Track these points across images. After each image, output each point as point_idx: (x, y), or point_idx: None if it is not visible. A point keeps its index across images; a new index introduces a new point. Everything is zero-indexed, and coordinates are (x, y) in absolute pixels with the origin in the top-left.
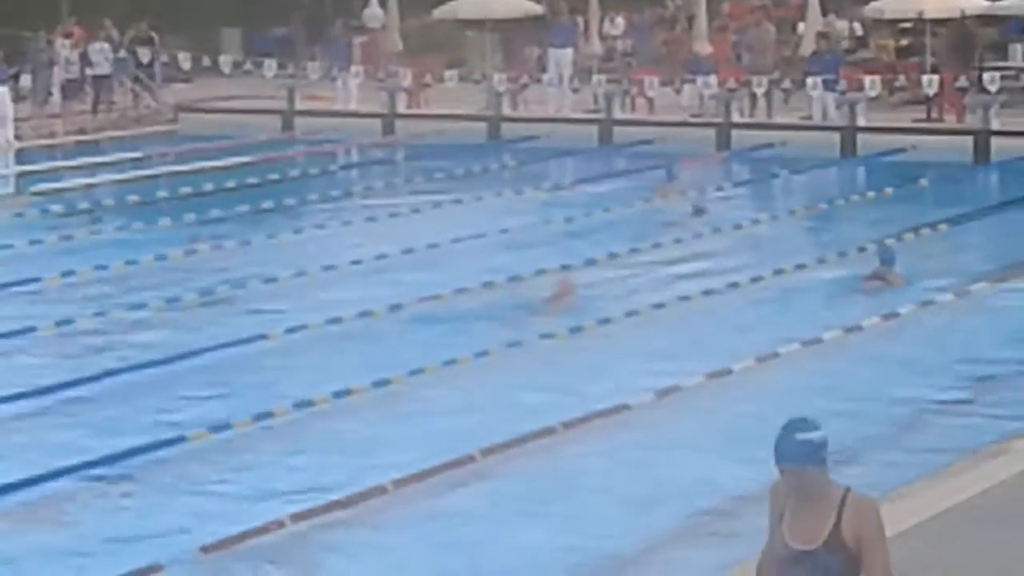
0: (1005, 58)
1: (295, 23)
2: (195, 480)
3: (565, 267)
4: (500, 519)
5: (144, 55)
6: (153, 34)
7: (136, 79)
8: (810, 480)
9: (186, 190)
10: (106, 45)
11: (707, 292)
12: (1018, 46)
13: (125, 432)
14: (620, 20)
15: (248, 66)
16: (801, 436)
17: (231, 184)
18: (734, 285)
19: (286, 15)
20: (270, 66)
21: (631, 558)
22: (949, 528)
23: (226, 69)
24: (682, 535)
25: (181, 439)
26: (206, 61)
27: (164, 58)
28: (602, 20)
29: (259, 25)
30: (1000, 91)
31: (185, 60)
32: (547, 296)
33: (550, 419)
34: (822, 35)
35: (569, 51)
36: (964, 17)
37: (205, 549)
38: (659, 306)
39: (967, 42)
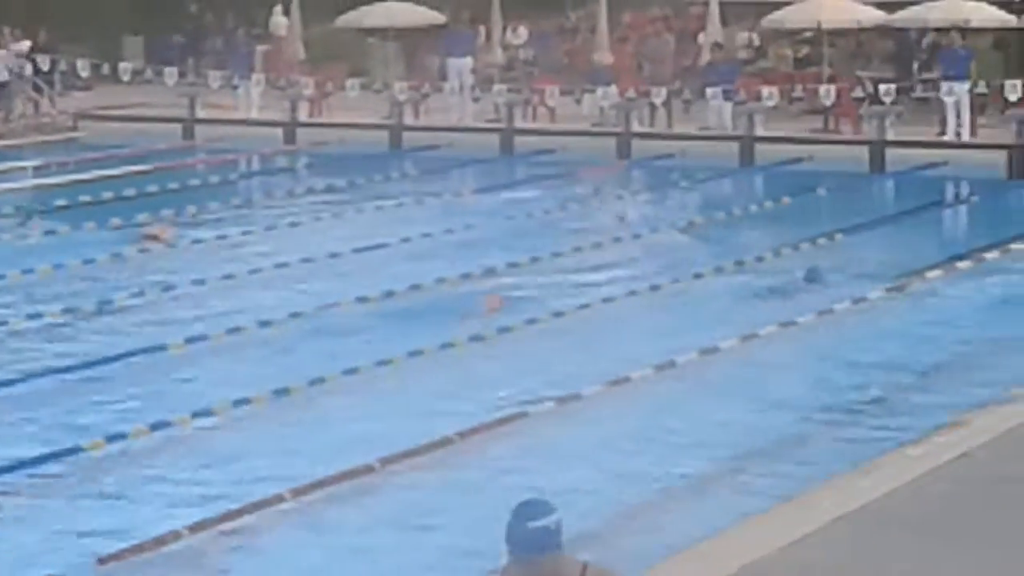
0: (901, 69)
1: (192, 31)
2: (91, 491)
3: (465, 276)
4: (397, 528)
5: (43, 63)
6: (27, 43)
7: (36, 87)
8: (547, 568)
9: (85, 199)
10: (3, 52)
11: (607, 300)
12: (914, 57)
13: (19, 443)
14: (523, 30)
15: (148, 74)
16: (536, 524)
17: (131, 193)
18: (632, 293)
19: (188, 23)
20: (171, 74)
21: None
22: (846, 534)
23: (125, 77)
24: None
25: (78, 449)
26: (106, 69)
27: (63, 66)
28: (504, 29)
29: (160, 33)
30: (895, 102)
31: (84, 68)
32: (478, 312)
33: (449, 428)
34: (717, 46)
35: (468, 60)
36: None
37: (102, 560)
38: (559, 314)
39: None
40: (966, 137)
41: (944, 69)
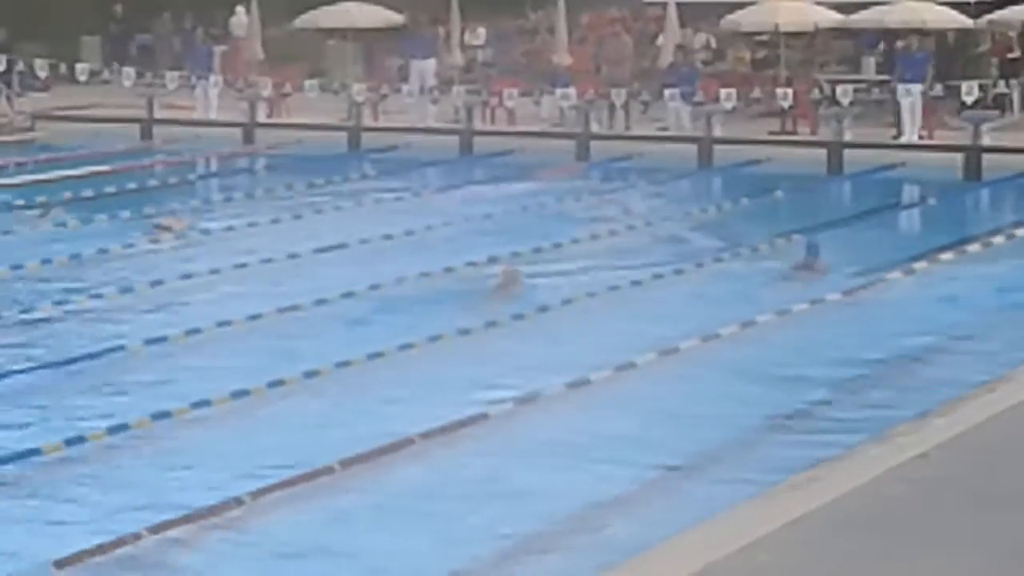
0: (858, 71)
1: (158, 31)
2: (49, 494)
3: (424, 275)
4: (355, 530)
5: (0, 63)
6: None
7: None
8: None
9: (43, 199)
10: None
11: (566, 302)
12: (871, 59)
13: None
14: (481, 31)
15: (106, 75)
16: None
17: (89, 193)
18: (592, 295)
19: (147, 23)
20: (128, 74)
21: None
22: (802, 536)
23: (83, 77)
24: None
25: (35, 451)
26: (63, 69)
27: (20, 66)
28: (463, 31)
29: (119, 33)
30: (853, 103)
31: (42, 68)
32: (493, 286)
33: (408, 429)
34: (680, 47)
35: (431, 62)
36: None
37: (58, 564)
38: (518, 317)
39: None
40: (915, 139)
41: (901, 71)
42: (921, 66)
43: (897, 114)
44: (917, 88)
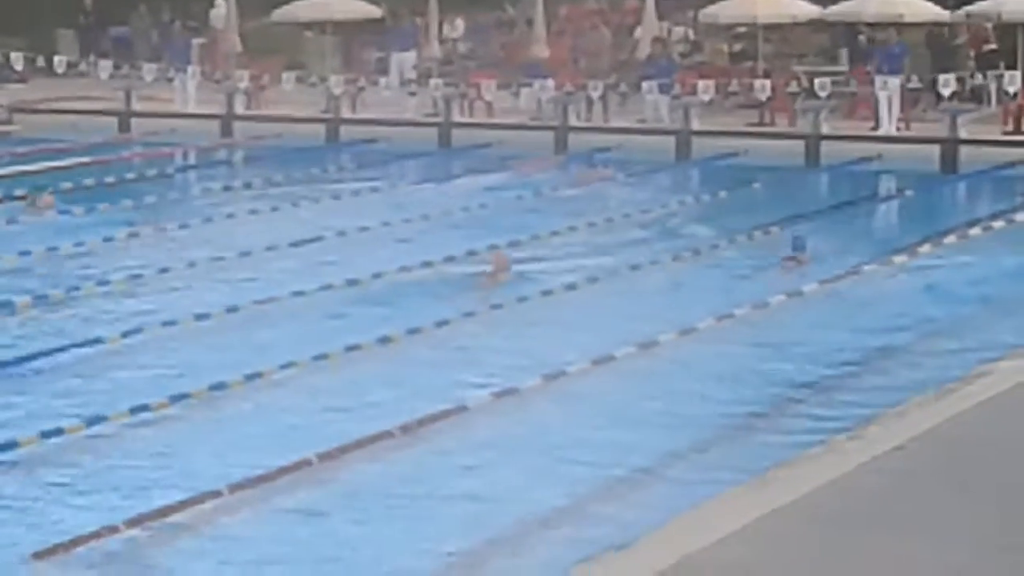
0: (835, 63)
1: (136, 24)
2: (26, 486)
3: (404, 268)
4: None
5: None
6: None
7: None
8: None
9: (21, 192)
10: None
11: (545, 293)
12: (846, 51)
13: None
14: (460, 22)
15: (83, 67)
16: None
17: (67, 186)
18: (571, 287)
19: (124, 15)
20: (105, 67)
21: None
22: (776, 529)
23: (60, 69)
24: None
25: (12, 444)
26: (40, 62)
27: None
28: (441, 23)
29: (96, 25)
30: (830, 96)
31: (18, 60)
32: (484, 272)
33: (389, 422)
34: (658, 40)
35: (412, 54)
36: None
37: (37, 556)
38: (496, 307)
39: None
40: (892, 131)
41: (879, 64)
42: (899, 59)
43: (874, 106)
44: (895, 80)
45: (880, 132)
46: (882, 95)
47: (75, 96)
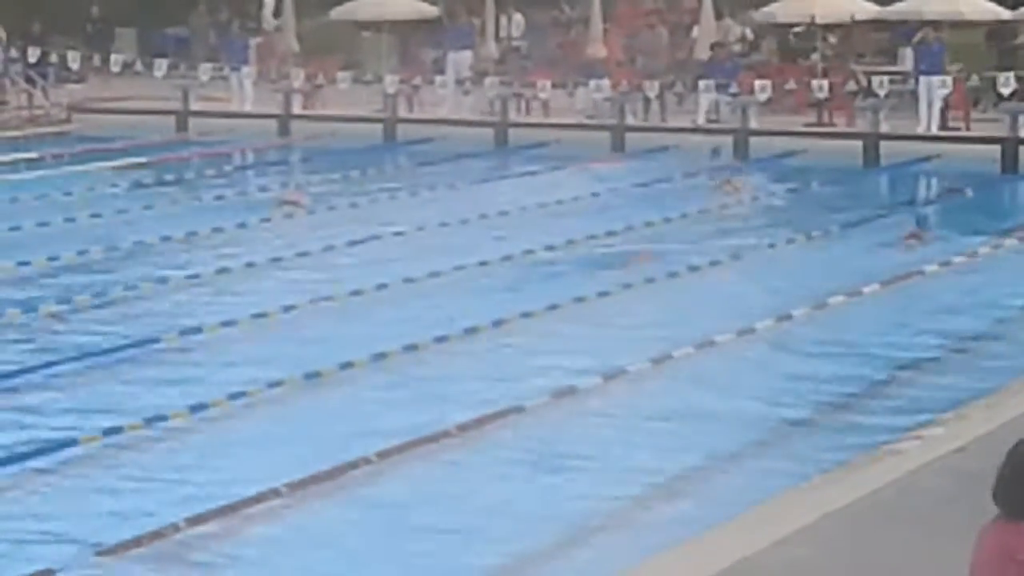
0: (894, 62)
1: (194, 24)
2: (88, 484)
3: (458, 268)
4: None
5: (33, 54)
6: None
7: (28, 79)
8: None
9: (80, 191)
10: None
11: (601, 294)
12: (907, 50)
13: (14, 435)
14: (519, 18)
15: (139, 66)
16: None
17: (126, 185)
18: (627, 286)
19: (183, 16)
20: (160, 66)
21: None
22: (833, 531)
23: (116, 68)
24: None
25: (73, 442)
26: (97, 61)
27: (54, 57)
28: (498, 22)
29: (156, 25)
30: (888, 95)
31: (75, 60)
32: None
33: (433, 428)
34: (718, 44)
35: (468, 53)
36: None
37: (100, 553)
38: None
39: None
40: (934, 130)
41: (918, 64)
42: (938, 58)
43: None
44: (936, 80)
45: (919, 131)
46: (923, 95)
47: (133, 96)
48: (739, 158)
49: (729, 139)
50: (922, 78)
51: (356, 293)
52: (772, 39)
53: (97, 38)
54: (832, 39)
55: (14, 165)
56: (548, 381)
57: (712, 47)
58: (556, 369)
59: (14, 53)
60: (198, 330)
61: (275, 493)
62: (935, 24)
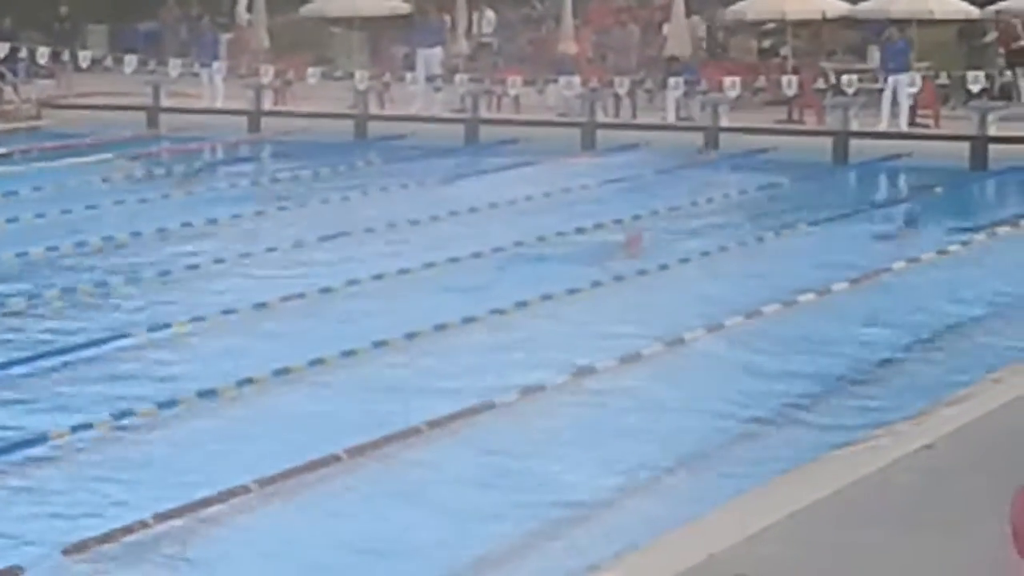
0: (864, 60)
1: (164, 18)
2: (57, 481)
3: (429, 265)
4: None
5: (2, 50)
6: None
7: None
8: None
9: (50, 187)
10: None
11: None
12: (876, 48)
13: None
14: (491, 15)
15: (109, 62)
16: None
17: (96, 181)
18: (597, 284)
19: (153, 11)
20: (130, 62)
21: None
22: (803, 528)
23: (85, 64)
24: None
25: (43, 439)
26: (67, 56)
27: (24, 53)
28: (470, 18)
29: (127, 21)
30: (857, 93)
31: (43, 56)
32: (620, 244)
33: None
34: (672, 58)
35: (438, 50)
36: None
37: (67, 551)
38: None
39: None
40: (903, 127)
41: (885, 62)
42: (903, 56)
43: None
44: (904, 78)
45: (880, 128)
46: (887, 93)
47: (103, 91)
48: (709, 153)
49: (699, 136)
50: (890, 77)
51: (326, 290)
52: (743, 36)
53: (64, 36)
54: (802, 36)
55: None
56: (517, 378)
57: (668, 60)
58: (524, 366)
59: None
60: (167, 326)
61: (244, 490)
62: (900, 22)
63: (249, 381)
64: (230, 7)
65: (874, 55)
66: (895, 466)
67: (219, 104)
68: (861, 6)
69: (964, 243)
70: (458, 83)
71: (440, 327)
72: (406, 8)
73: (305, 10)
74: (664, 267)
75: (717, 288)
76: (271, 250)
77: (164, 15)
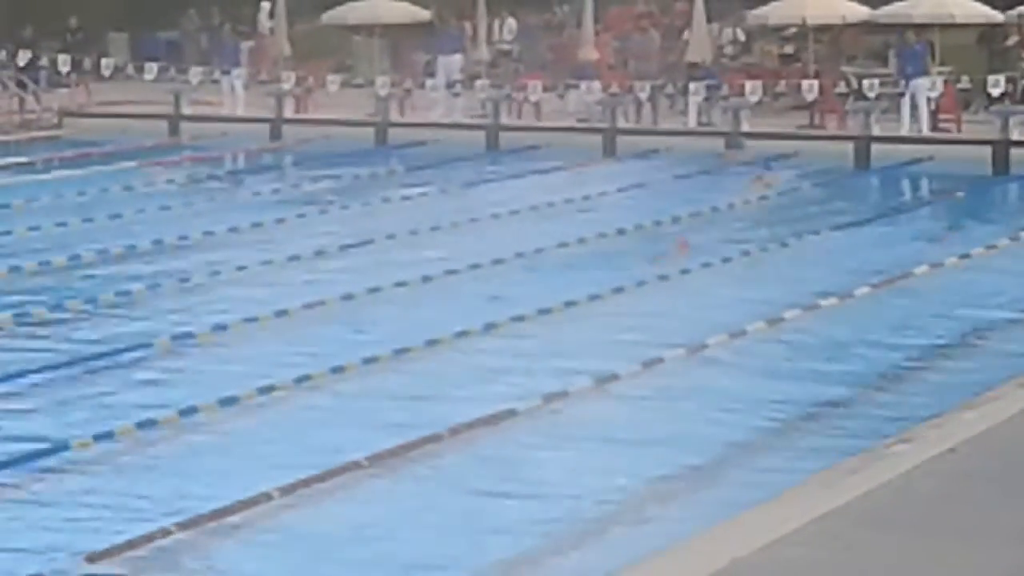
0: (885, 65)
1: (185, 27)
2: (78, 489)
3: (450, 272)
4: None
5: (23, 58)
6: None
7: (20, 83)
8: None
9: (72, 195)
10: None
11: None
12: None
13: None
14: (512, 22)
15: (130, 70)
16: None
17: (117, 189)
18: (616, 289)
19: (175, 20)
20: (151, 70)
21: None
22: (826, 533)
23: (107, 72)
24: None
25: (64, 447)
26: (87, 65)
27: (45, 61)
28: (491, 25)
29: (147, 30)
30: (879, 97)
31: (64, 64)
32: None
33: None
34: (692, 65)
35: (458, 57)
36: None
37: (90, 558)
38: (572, 303)
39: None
40: (925, 131)
41: (902, 66)
42: (921, 60)
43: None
44: (922, 82)
45: (902, 133)
46: (906, 97)
47: (124, 100)
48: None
49: (721, 142)
50: (909, 81)
51: (348, 297)
52: (764, 41)
53: (76, 46)
54: (823, 41)
55: (5, 169)
56: (540, 385)
57: (689, 65)
58: (547, 372)
59: (4, 57)
60: (190, 335)
61: (267, 497)
62: (921, 26)
63: (271, 388)
64: (251, 15)
65: (893, 59)
66: (918, 471)
67: (240, 112)
68: (882, 10)
69: (987, 247)
70: (478, 89)
71: (462, 334)
72: (426, 15)
73: (326, 18)
74: (685, 271)
75: (739, 293)
76: (293, 258)
77: (185, 23)
